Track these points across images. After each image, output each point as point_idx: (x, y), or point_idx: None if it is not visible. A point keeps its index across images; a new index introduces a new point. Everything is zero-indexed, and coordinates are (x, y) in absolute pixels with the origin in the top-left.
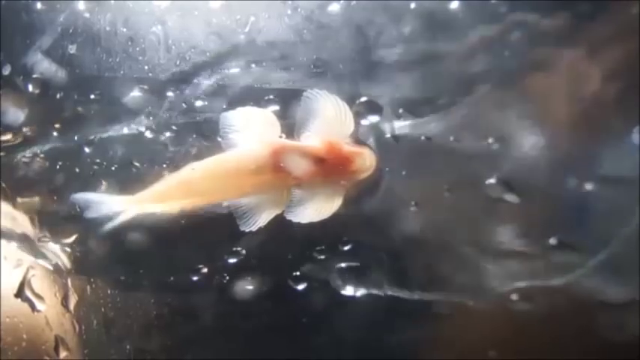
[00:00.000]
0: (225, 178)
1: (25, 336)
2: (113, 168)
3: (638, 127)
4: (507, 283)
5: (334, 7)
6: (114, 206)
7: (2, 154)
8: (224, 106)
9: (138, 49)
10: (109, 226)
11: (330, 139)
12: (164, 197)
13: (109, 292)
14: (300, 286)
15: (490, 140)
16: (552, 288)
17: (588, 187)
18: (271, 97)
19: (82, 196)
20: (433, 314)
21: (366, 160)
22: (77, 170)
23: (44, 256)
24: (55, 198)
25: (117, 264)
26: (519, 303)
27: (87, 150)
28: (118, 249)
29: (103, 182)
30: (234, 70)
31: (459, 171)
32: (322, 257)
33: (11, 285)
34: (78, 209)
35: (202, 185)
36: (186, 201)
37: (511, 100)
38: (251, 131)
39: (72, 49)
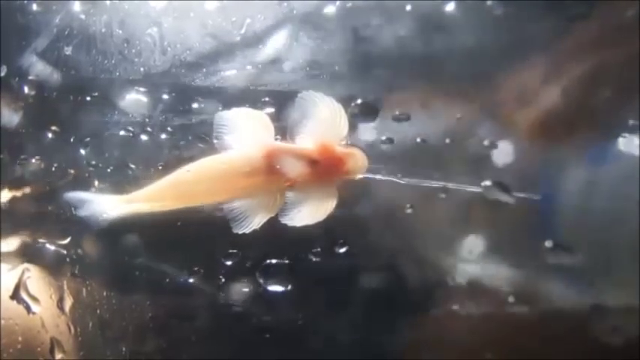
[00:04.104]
0: (219, 180)
1: (20, 338)
2: (109, 169)
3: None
4: (504, 284)
5: (330, 9)
6: (107, 206)
7: (1, 156)
8: (219, 108)
9: (133, 50)
10: (103, 226)
11: (324, 141)
12: (157, 197)
13: (104, 294)
14: (296, 288)
15: (486, 142)
16: (549, 290)
17: (585, 188)
18: (267, 99)
19: (75, 196)
20: (429, 315)
21: (359, 161)
22: (73, 172)
23: (40, 258)
24: (51, 200)
25: (112, 266)
26: (515, 305)
27: (82, 151)
28: (113, 251)
29: (99, 183)
30: (230, 72)
31: (454, 173)
32: (317, 259)
33: (6, 287)
34: (73, 210)
35: (195, 187)
36: (179, 202)
37: (507, 102)
38: (245, 133)
39: (67, 50)
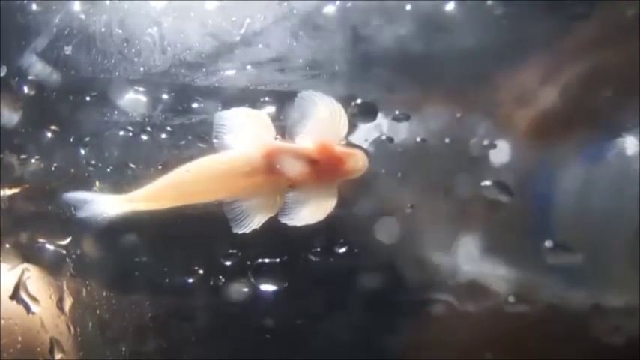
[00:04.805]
0: (219, 180)
1: (20, 338)
2: (108, 169)
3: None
4: (505, 284)
5: (330, 9)
6: (106, 205)
7: (1, 156)
8: (219, 108)
9: (133, 50)
10: (103, 226)
11: (324, 141)
12: (156, 197)
13: (104, 294)
14: (296, 288)
15: (485, 142)
16: (550, 290)
17: (584, 188)
18: (266, 98)
19: (73, 196)
20: (429, 315)
21: (359, 161)
22: (72, 172)
23: (39, 258)
24: (51, 200)
25: (112, 266)
26: (516, 305)
27: (82, 151)
28: (113, 251)
29: (98, 183)
30: (230, 72)
31: (454, 173)
32: (317, 259)
33: (6, 287)
34: (73, 209)
35: (195, 187)
36: (178, 202)
37: (506, 102)
38: (245, 133)
39: (67, 50)
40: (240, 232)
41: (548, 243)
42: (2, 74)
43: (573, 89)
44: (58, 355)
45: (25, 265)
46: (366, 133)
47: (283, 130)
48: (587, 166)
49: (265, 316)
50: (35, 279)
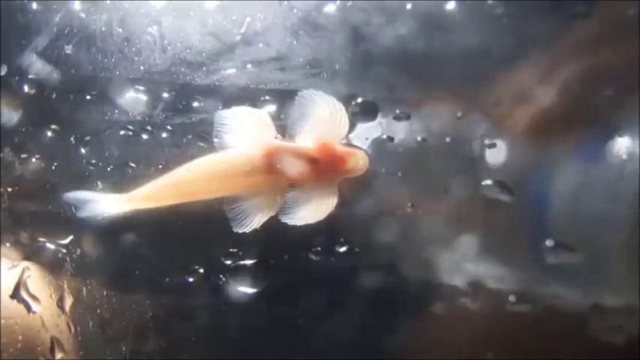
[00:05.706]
0: (219, 179)
1: (20, 337)
2: (109, 169)
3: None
4: (505, 284)
5: (330, 8)
6: (106, 205)
7: (1, 155)
8: (220, 107)
9: (134, 49)
10: (103, 225)
11: (324, 140)
12: (157, 196)
13: (104, 293)
14: (296, 288)
15: (486, 141)
16: (549, 290)
17: (584, 187)
18: (267, 97)
19: (74, 195)
20: (429, 315)
21: (359, 160)
22: (73, 171)
23: (40, 257)
24: (51, 199)
25: (113, 265)
26: (516, 305)
27: (82, 150)
28: (113, 250)
29: (99, 183)
30: (230, 71)
31: (455, 172)
32: (318, 258)
33: (7, 286)
34: (73, 209)
35: (195, 185)
36: (179, 201)
37: (506, 101)
38: (245, 132)
39: (67, 49)
40: (240, 231)
41: (548, 242)
42: (2, 73)
43: (573, 88)
44: (58, 355)
45: (26, 264)
46: (367, 132)
47: (284, 129)
48: (586, 165)
49: (265, 315)
50: (35, 278)
